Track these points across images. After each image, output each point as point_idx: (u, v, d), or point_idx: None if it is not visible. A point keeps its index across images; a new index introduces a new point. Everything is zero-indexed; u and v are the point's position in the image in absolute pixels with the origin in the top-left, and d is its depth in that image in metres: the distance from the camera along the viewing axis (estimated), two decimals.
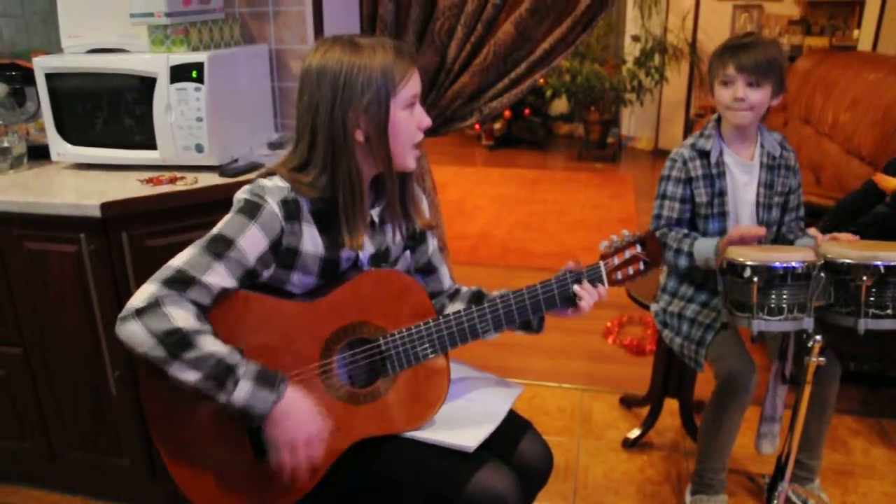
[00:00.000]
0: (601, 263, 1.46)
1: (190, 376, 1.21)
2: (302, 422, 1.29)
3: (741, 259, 1.65)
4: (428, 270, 1.64)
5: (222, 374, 1.22)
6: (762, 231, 1.86)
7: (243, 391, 1.23)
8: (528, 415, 1.58)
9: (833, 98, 3.98)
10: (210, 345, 1.23)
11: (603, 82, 6.61)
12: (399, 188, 1.46)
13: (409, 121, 1.37)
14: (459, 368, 1.61)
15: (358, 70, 1.30)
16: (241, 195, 1.35)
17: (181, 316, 1.22)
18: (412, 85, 1.36)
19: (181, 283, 1.24)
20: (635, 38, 6.62)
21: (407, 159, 1.40)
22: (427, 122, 1.41)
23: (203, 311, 1.27)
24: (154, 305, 1.21)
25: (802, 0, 6.31)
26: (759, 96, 1.91)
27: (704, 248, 1.92)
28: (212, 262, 1.27)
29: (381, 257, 1.49)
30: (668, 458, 2.46)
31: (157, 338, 1.20)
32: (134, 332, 1.21)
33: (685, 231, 2.02)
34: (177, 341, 1.20)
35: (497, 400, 1.52)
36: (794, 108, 4.53)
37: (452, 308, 1.61)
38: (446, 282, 1.67)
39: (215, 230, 1.31)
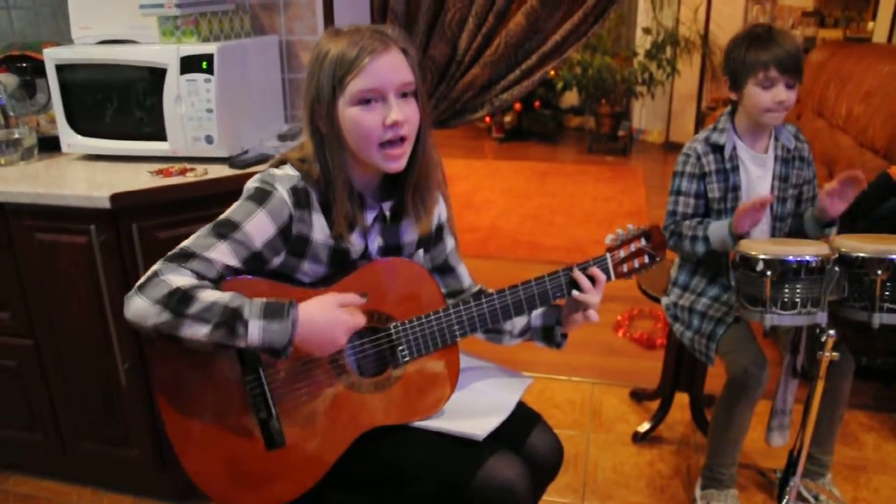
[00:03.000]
0: (607, 255, 1.46)
1: (201, 331, 1.20)
2: (327, 329, 1.27)
3: (754, 253, 1.63)
4: (446, 269, 1.62)
5: (229, 318, 1.20)
6: (769, 198, 1.84)
7: (256, 329, 1.21)
8: (538, 408, 1.57)
9: (847, 91, 3.93)
10: (211, 295, 1.21)
11: (614, 75, 6.57)
12: (413, 193, 1.43)
13: (361, 117, 1.28)
14: (469, 359, 1.61)
15: (318, 62, 1.30)
16: (251, 184, 1.35)
17: (179, 279, 1.22)
18: (364, 79, 1.26)
19: (182, 257, 1.25)
20: (646, 31, 6.58)
21: (374, 159, 1.32)
22: (392, 117, 1.28)
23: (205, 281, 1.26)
24: (153, 277, 1.22)
25: None
26: (795, 95, 1.88)
27: (719, 229, 1.91)
28: (215, 241, 1.27)
29: (391, 252, 1.48)
30: (678, 451, 2.45)
31: (160, 304, 1.19)
32: (138, 307, 1.21)
33: (698, 219, 2.01)
34: (178, 299, 1.19)
35: (507, 391, 1.52)
36: (807, 100, 4.49)
37: None
38: (466, 280, 1.65)
39: (223, 215, 1.31)
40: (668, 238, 2.01)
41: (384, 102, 1.29)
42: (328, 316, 1.27)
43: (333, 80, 1.28)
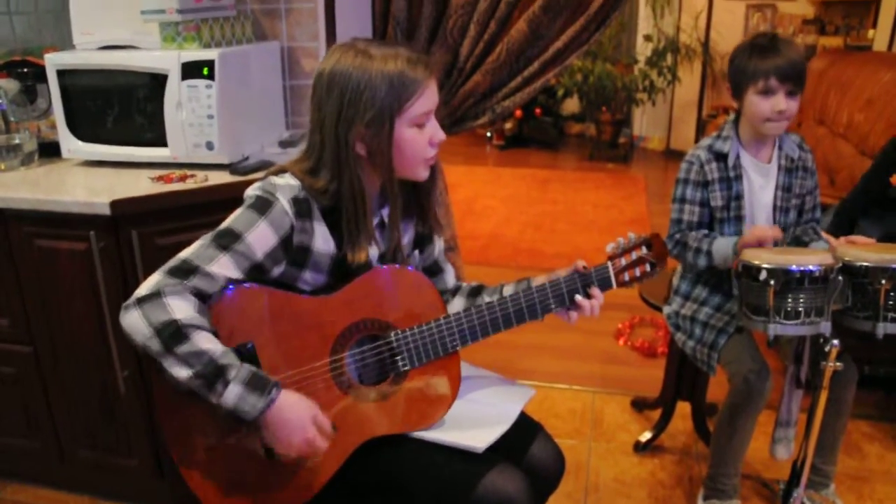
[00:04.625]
0: (609, 264, 1.45)
1: (181, 372, 1.20)
2: (296, 427, 1.27)
3: (757, 262, 1.62)
4: (434, 271, 1.63)
5: (212, 373, 1.20)
6: (779, 234, 1.83)
7: (232, 394, 1.21)
8: (539, 417, 1.56)
9: (848, 98, 3.93)
10: (204, 342, 1.21)
11: (615, 82, 6.57)
12: (417, 195, 1.46)
13: (416, 138, 1.34)
14: (470, 369, 1.60)
15: (364, 86, 1.27)
16: (251, 191, 1.34)
17: (180, 307, 1.21)
18: (423, 102, 1.31)
19: (184, 271, 1.24)
20: (647, 38, 6.58)
21: (416, 172, 1.38)
22: (440, 136, 1.37)
23: (206, 302, 1.26)
24: (155, 294, 1.21)
25: None
26: (796, 105, 1.87)
27: (723, 246, 1.90)
28: (217, 253, 1.26)
29: (390, 257, 1.47)
30: (679, 461, 2.43)
31: (154, 328, 1.19)
32: (134, 321, 1.20)
33: (705, 231, 2.00)
34: (171, 333, 1.19)
35: (508, 402, 1.50)
36: (808, 108, 4.48)
37: (454, 303, 1.61)
38: (450, 282, 1.66)
39: (224, 224, 1.30)
40: (672, 247, 2.00)
41: (429, 122, 1.35)
42: (300, 418, 1.27)
43: (397, 101, 1.28)
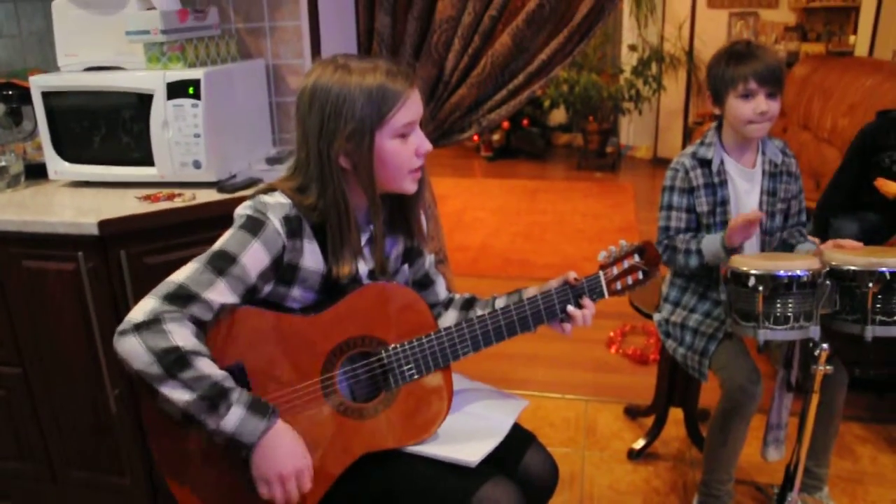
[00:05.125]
0: (600, 274, 1.45)
1: (183, 396, 1.19)
2: (291, 454, 1.27)
3: (745, 268, 1.64)
4: (424, 283, 1.62)
5: (216, 396, 1.20)
6: (761, 215, 1.83)
7: (235, 416, 1.21)
8: (532, 426, 1.56)
9: (831, 104, 3.98)
10: (207, 367, 1.21)
11: (601, 92, 6.61)
12: (402, 208, 1.46)
13: (400, 150, 1.33)
14: (462, 381, 1.59)
15: (343, 99, 1.27)
16: (242, 210, 1.33)
17: (181, 335, 1.20)
18: (405, 113, 1.31)
19: (182, 298, 1.23)
20: (632, 48, 6.63)
21: (403, 185, 1.37)
22: (426, 147, 1.36)
23: (203, 328, 1.26)
24: (154, 322, 1.20)
25: (798, 7, 6.33)
26: (777, 106, 1.90)
27: (711, 242, 1.91)
28: (214, 278, 1.25)
29: (379, 272, 1.47)
30: (673, 468, 2.43)
31: (156, 355, 1.18)
32: (133, 347, 1.19)
33: (692, 233, 2.01)
34: (175, 360, 1.18)
35: (501, 414, 1.50)
36: (792, 114, 4.53)
37: (447, 316, 1.61)
38: (442, 294, 1.66)
39: (217, 246, 1.29)
40: (662, 252, 2.01)
41: (413, 133, 1.35)
42: (294, 446, 1.28)
43: (377, 113, 1.28)
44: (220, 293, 1.25)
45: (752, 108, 1.88)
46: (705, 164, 1.99)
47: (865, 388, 2.80)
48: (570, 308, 1.43)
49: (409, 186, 1.39)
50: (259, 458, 1.25)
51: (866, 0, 5.25)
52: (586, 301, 1.44)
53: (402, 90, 1.30)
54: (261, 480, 1.27)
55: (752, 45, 1.92)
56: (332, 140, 1.29)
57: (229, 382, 1.22)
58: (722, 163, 1.99)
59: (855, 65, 4.28)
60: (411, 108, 1.32)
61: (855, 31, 5.79)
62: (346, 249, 1.35)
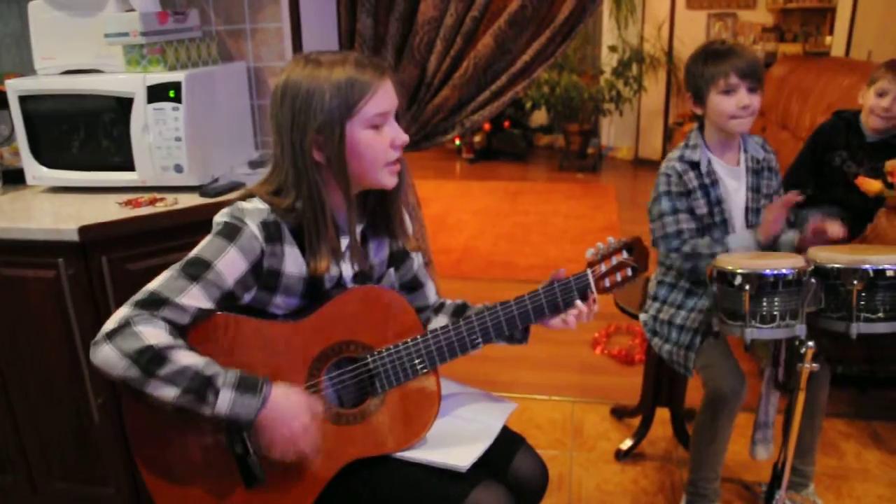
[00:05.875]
0: (588, 271, 1.44)
1: (168, 393, 1.18)
2: (292, 417, 1.25)
3: (731, 267, 1.64)
4: (413, 287, 1.61)
5: (201, 386, 1.18)
6: (796, 196, 1.88)
7: (225, 400, 1.19)
8: (520, 428, 1.56)
9: (809, 103, 4.01)
10: (185, 358, 1.19)
11: (581, 93, 6.64)
12: (382, 206, 1.44)
13: (374, 140, 1.31)
14: (450, 385, 1.58)
15: (312, 91, 1.26)
16: (220, 218, 1.32)
17: (152, 333, 1.18)
18: (376, 103, 1.29)
19: (154, 303, 1.21)
20: (612, 49, 6.66)
21: (379, 177, 1.35)
22: (402, 139, 1.35)
23: (179, 330, 1.24)
24: (125, 326, 1.18)
25: (775, 8, 6.39)
26: (758, 101, 1.91)
27: (741, 240, 1.93)
28: (187, 284, 1.24)
29: (364, 275, 1.46)
30: (661, 468, 2.44)
31: (130, 358, 1.16)
32: (107, 356, 1.18)
33: (707, 237, 1.99)
34: (150, 359, 1.16)
35: (490, 417, 1.49)
36: (770, 113, 4.57)
37: (437, 321, 1.60)
38: (432, 297, 1.65)
39: (193, 253, 1.28)
40: (683, 261, 1.96)
41: (388, 124, 1.33)
42: (295, 407, 1.26)
43: (346, 104, 1.27)
44: (194, 298, 1.24)
45: (734, 102, 1.89)
46: (694, 166, 1.99)
47: (848, 385, 2.82)
48: (578, 303, 1.43)
49: (387, 180, 1.36)
50: (262, 432, 1.24)
51: (842, 1, 5.32)
52: (577, 302, 1.43)
53: (371, 80, 1.28)
54: (271, 447, 1.25)
55: (729, 43, 1.94)
56: (304, 133, 1.28)
57: (212, 368, 1.20)
58: (709, 163, 1.99)
59: (832, 65, 4.33)
60: (383, 98, 1.30)
61: (831, 32, 5.86)
62: (322, 244, 1.33)
